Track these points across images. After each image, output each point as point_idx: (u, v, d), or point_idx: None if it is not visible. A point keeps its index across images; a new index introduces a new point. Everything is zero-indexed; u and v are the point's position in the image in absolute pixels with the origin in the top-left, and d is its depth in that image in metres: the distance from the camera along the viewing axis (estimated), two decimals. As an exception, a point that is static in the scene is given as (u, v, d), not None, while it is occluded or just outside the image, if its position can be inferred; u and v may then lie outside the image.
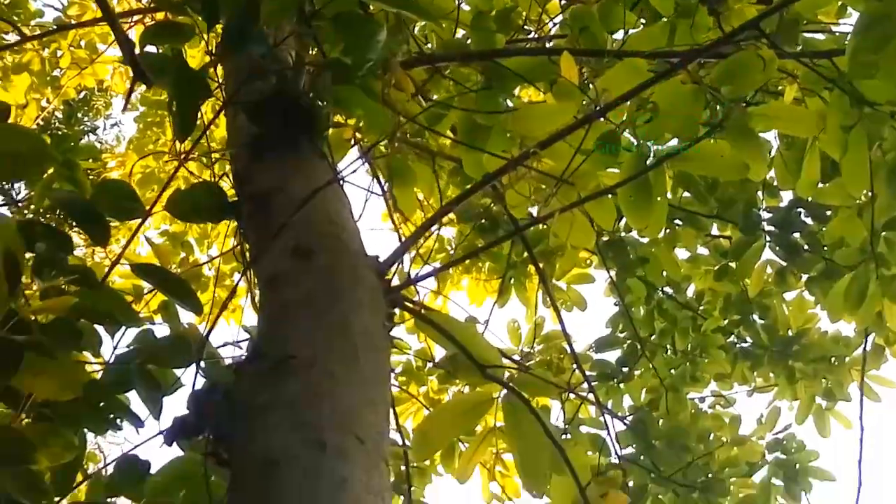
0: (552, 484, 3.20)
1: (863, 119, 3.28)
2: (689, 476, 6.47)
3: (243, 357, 2.66)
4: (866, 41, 2.95)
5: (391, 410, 2.93)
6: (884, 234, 4.51)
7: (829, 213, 5.51)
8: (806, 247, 6.00)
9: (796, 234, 6.00)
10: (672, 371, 7.02)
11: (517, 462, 3.18)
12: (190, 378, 2.79)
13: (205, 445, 2.56)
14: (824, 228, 5.96)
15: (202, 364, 2.92)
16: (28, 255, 2.85)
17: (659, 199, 3.38)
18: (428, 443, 3.18)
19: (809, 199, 5.46)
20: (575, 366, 5.96)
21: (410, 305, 2.94)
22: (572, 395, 6.53)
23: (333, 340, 2.53)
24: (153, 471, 3.16)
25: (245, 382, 2.47)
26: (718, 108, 3.41)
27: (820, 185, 4.18)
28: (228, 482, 2.30)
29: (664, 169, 3.42)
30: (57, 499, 2.92)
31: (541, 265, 6.43)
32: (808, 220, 6.00)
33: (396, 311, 2.91)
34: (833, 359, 7.33)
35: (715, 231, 6.81)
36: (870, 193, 4.02)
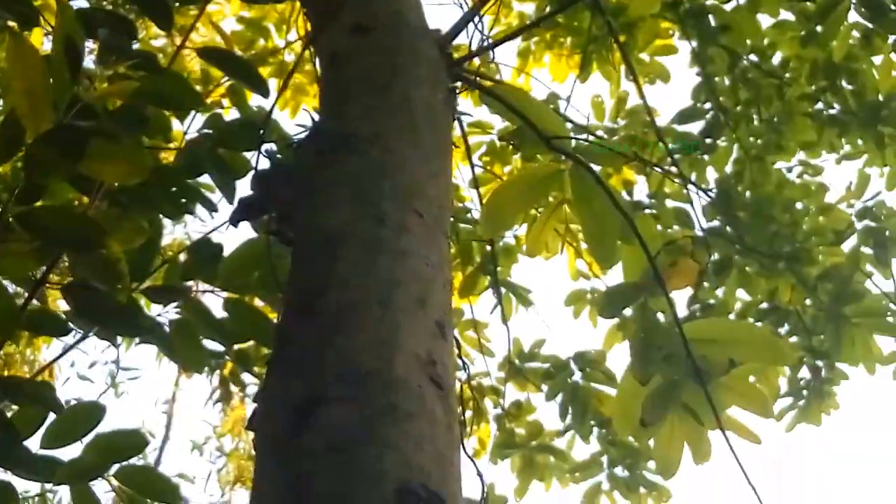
0: (623, 254, 3.19)
1: None
2: (775, 246, 6.42)
3: (306, 136, 2.66)
4: None
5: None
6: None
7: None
8: (893, 6, 5.80)
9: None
10: (757, 141, 6.89)
11: (585, 233, 3.18)
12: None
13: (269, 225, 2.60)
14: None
15: (268, 146, 2.92)
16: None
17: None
18: (497, 217, 3.18)
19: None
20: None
21: (472, 78, 2.90)
22: (656, 169, 6.50)
23: (394, 117, 2.52)
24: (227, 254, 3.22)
25: (307, 160, 2.48)
26: None
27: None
28: (291, 260, 2.33)
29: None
30: (134, 284, 2.97)
31: (622, 38, 6.31)
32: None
33: (459, 84, 2.88)
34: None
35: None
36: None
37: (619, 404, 3.36)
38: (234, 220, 2.61)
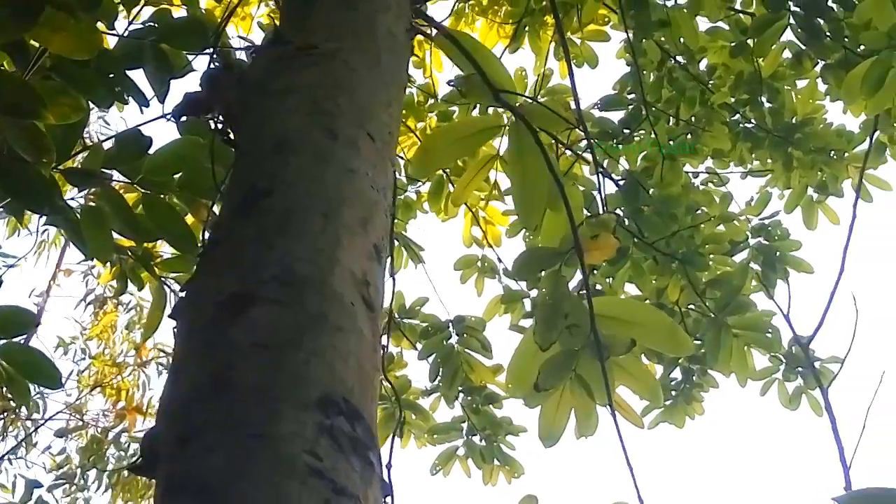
0: (546, 219, 3.22)
1: None
2: (672, 246, 6.52)
3: (263, 42, 2.63)
4: None
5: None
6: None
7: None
8: (828, 34, 5.90)
9: (820, 19, 5.88)
10: (671, 142, 6.99)
11: (515, 192, 3.20)
12: (202, 66, 2.77)
13: (212, 127, 2.57)
14: (845, 20, 5.88)
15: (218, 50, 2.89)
16: None
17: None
18: (430, 159, 3.18)
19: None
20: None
21: (431, 22, 2.89)
22: (568, 152, 6.53)
23: (357, 38, 2.50)
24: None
25: (263, 66, 2.45)
26: None
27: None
28: (235, 162, 2.30)
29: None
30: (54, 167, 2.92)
31: (560, 16, 6.34)
32: (835, 7, 5.88)
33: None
34: (832, 152, 7.32)
35: (739, 6, 6.70)
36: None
37: (514, 365, 3.38)
38: (177, 115, 2.57)
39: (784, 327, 6.40)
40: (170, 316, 1.99)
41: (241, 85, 2.45)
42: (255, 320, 1.80)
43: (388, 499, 2.71)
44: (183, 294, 2.03)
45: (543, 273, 3.26)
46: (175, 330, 1.95)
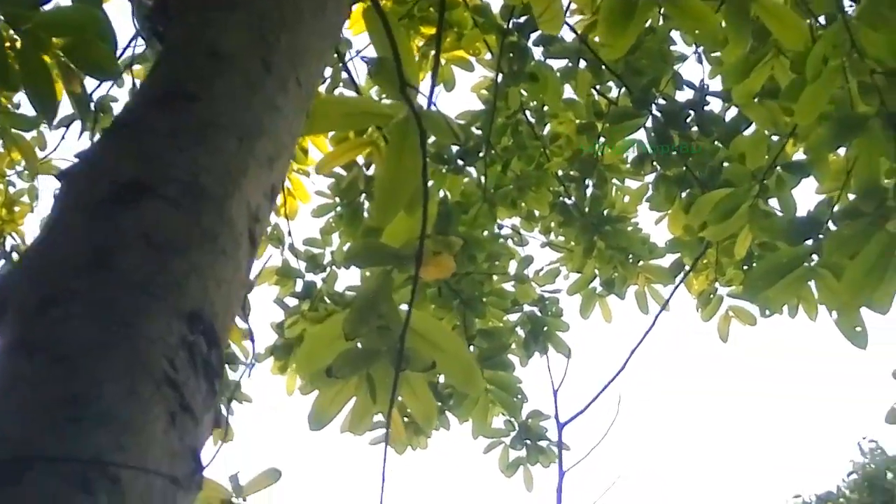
0: (396, 220, 3.24)
1: (851, 61, 3.33)
2: (461, 284, 6.63)
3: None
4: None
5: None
6: (778, 169, 4.68)
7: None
8: (676, 149, 6.10)
9: (675, 133, 6.08)
10: (493, 189, 7.10)
11: (381, 187, 3.23)
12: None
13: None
14: (696, 142, 6.11)
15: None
16: None
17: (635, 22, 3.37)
18: (315, 122, 3.15)
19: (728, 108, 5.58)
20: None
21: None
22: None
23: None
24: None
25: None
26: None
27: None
28: (161, 53, 2.25)
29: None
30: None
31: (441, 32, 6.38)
32: (694, 128, 6.09)
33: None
34: (631, 256, 7.56)
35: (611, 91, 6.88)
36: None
37: (310, 345, 3.39)
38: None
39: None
40: (57, 177, 1.92)
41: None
42: (148, 215, 1.76)
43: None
44: (77, 160, 1.97)
45: (374, 267, 3.29)
46: (60, 192, 1.88)
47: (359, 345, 3.24)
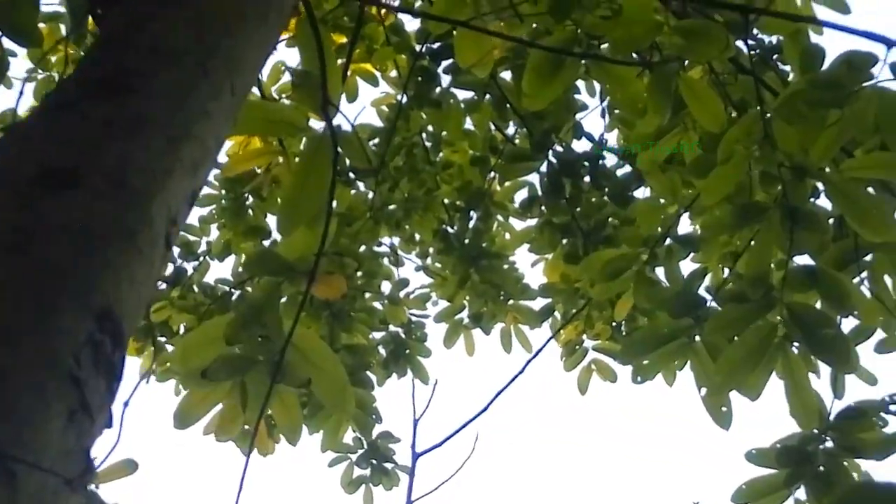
0: (298, 232, 3.23)
1: (762, 150, 3.42)
2: (348, 307, 6.63)
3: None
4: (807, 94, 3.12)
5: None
6: (669, 240, 4.77)
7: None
8: (566, 198, 6.18)
9: (568, 181, 6.14)
10: (386, 207, 7.10)
11: (286, 200, 3.22)
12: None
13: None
14: (587, 194, 6.21)
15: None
16: None
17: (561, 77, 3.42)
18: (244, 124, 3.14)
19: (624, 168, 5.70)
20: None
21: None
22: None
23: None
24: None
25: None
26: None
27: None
28: (100, 37, 2.23)
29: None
30: None
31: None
32: (586, 179, 6.16)
33: None
34: (503, 294, 7.61)
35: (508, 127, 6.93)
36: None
37: (190, 340, 3.36)
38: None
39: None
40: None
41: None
42: (71, 204, 1.74)
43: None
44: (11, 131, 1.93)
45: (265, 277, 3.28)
46: None
47: (237, 350, 3.23)
